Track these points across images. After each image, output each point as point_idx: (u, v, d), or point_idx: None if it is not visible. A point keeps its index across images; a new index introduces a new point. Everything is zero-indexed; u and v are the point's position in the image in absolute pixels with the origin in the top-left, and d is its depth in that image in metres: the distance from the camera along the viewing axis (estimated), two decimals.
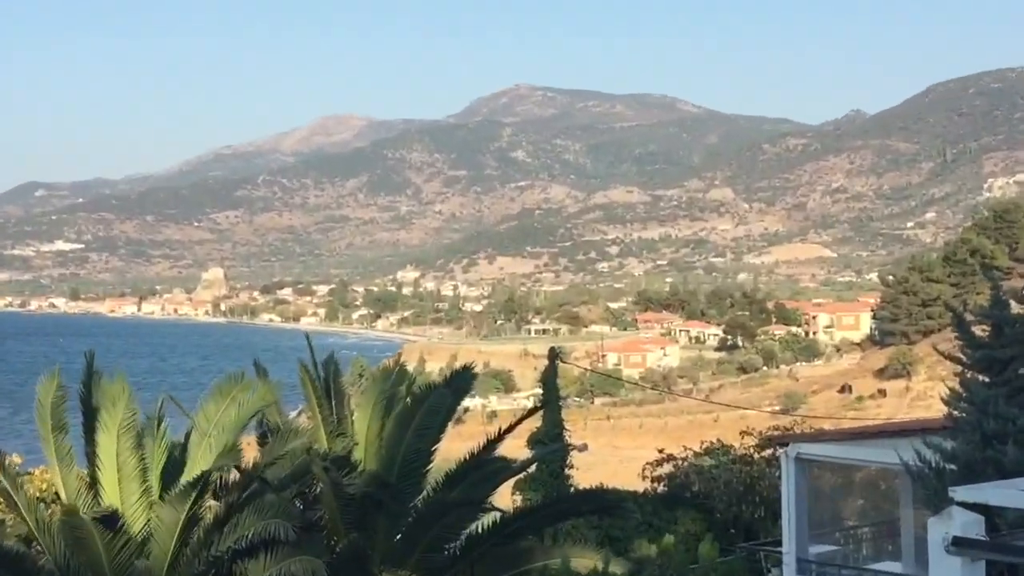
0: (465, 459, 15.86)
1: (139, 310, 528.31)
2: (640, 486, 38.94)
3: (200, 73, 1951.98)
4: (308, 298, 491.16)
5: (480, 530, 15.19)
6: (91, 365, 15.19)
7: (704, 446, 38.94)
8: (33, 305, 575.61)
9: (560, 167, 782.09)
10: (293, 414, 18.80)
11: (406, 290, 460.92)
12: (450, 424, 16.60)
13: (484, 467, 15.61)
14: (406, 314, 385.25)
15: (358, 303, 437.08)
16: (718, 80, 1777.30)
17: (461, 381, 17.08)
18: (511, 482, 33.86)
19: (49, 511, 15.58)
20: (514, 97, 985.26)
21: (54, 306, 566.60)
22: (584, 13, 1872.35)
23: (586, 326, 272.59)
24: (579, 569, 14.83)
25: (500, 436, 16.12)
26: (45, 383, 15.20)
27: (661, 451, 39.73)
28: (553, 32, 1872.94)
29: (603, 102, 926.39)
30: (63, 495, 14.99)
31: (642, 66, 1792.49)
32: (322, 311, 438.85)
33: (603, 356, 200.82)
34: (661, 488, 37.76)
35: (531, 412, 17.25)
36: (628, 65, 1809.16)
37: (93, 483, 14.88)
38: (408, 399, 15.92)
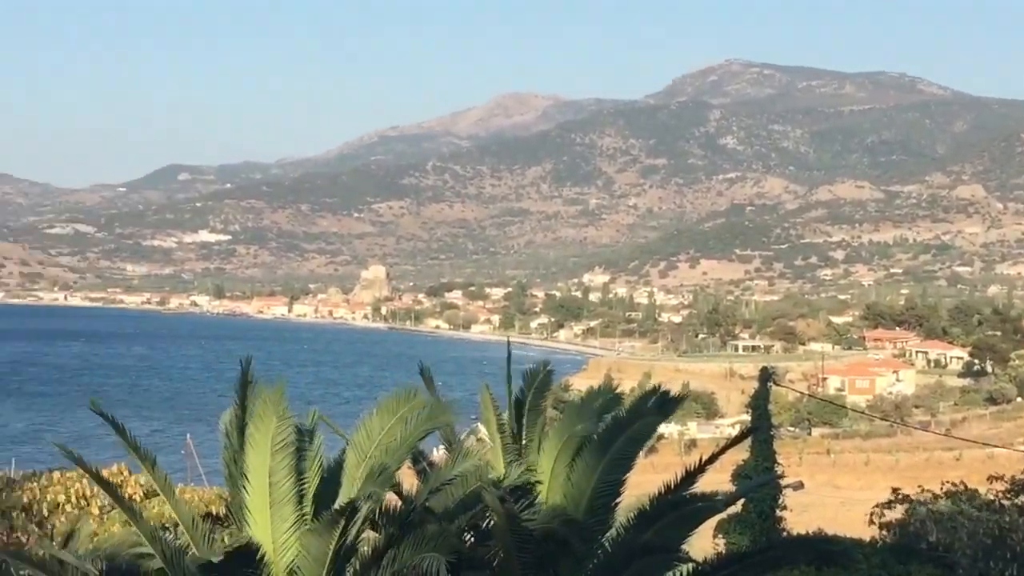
0: (660, 494, 15.70)
1: (289, 311, 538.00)
2: (864, 533, 38.21)
3: (364, 45, 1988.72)
4: (480, 303, 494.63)
5: None
6: (246, 372, 15.47)
7: (944, 488, 38.00)
8: (173, 303, 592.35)
9: (777, 156, 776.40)
10: (462, 436, 18.90)
11: (593, 296, 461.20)
12: (641, 453, 16.49)
13: (682, 505, 15.46)
14: (593, 324, 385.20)
15: (537, 310, 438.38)
16: (968, 57, 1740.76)
17: (667, 408, 16.94)
18: (712, 523, 33.61)
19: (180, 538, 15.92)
20: (724, 75, 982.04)
21: (196, 304, 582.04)
22: None
23: (804, 344, 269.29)
24: None
25: (701, 467, 15.89)
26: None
27: (896, 491, 38.88)
28: None
29: (829, 81, 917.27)
30: (182, 524, 15.26)
31: (876, 40, 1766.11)
32: (496, 318, 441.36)
33: (823, 379, 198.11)
34: (891, 537, 36.97)
35: (738, 439, 16.97)
36: (860, 38, 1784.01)
37: (238, 507, 15.15)
38: (605, 424, 15.87)
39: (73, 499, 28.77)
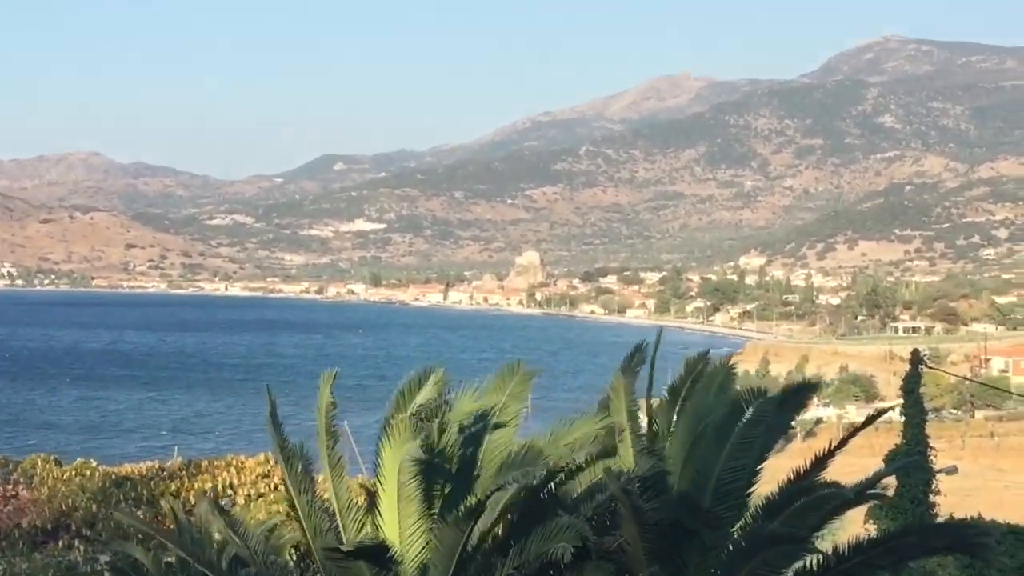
0: (788, 481, 15.48)
1: (445, 298, 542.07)
2: None
3: (515, 31, 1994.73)
4: (635, 287, 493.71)
5: (811, 566, 14.81)
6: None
7: None
8: (331, 291, 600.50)
9: (936, 134, 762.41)
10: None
11: (749, 279, 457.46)
12: (799, 437, 16.26)
13: (814, 492, 15.18)
14: (749, 307, 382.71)
15: (693, 294, 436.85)
16: None
17: (798, 397, 16.66)
18: (863, 509, 33.06)
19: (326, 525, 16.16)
20: (881, 52, 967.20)
21: (353, 293, 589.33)
22: None
23: (966, 324, 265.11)
24: None
25: (830, 453, 15.67)
26: (324, 380, 15.79)
27: None
28: None
29: (990, 56, 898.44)
30: (337, 509, 15.51)
31: None
32: (651, 302, 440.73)
33: (986, 360, 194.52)
34: None
35: (865, 425, 16.61)
36: (1020, 11, 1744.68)
37: (372, 498, 15.35)
38: (723, 409, 15.65)
39: (220, 488, 29.29)
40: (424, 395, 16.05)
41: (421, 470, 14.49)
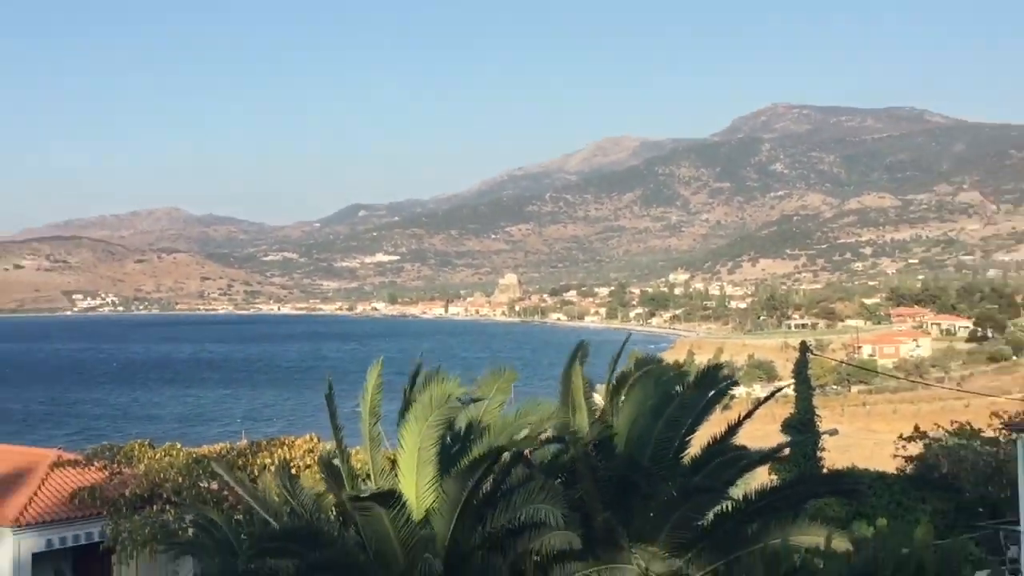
0: (708, 445, 15.54)
1: (445, 312, 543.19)
2: (891, 467, 37.55)
3: (493, 106, 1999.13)
4: (591, 299, 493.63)
5: (727, 509, 14.84)
6: (419, 365, 15.96)
7: (954, 426, 37.08)
8: (358, 309, 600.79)
9: (816, 177, 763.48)
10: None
11: (677, 290, 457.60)
12: (718, 410, 16.33)
13: (727, 453, 15.23)
14: (677, 312, 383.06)
15: (634, 303, 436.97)
16: (963, 90, 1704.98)
17: (711, 380, 16.73)
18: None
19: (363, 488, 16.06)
20: (772, 115, 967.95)
21: (375, 309, 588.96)
22: (836, 35, 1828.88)
23: (842, 320, 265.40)
24: (801, 544, 14.26)
25: (739, 422, 15.86)
26: (371, 371, 15.75)
27: (916, 428, 38.04)
28: (807, 53, 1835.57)
29: (855, 116, 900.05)
30: (372, 473, 15.48)
31: (891, 81, 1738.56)
32: (603, 310, 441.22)
33: (858, 347, 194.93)
34: (910, 468, 36.27)
35: (765, 400, 16.76)
36: (878, 81, 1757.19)
37: (395, 464, 15.28)
38: (657, 395, 15.69)
39: (277, 462, 29.05)
40: (421, 384, 16.07)
41: (438, 438, 14.46)
